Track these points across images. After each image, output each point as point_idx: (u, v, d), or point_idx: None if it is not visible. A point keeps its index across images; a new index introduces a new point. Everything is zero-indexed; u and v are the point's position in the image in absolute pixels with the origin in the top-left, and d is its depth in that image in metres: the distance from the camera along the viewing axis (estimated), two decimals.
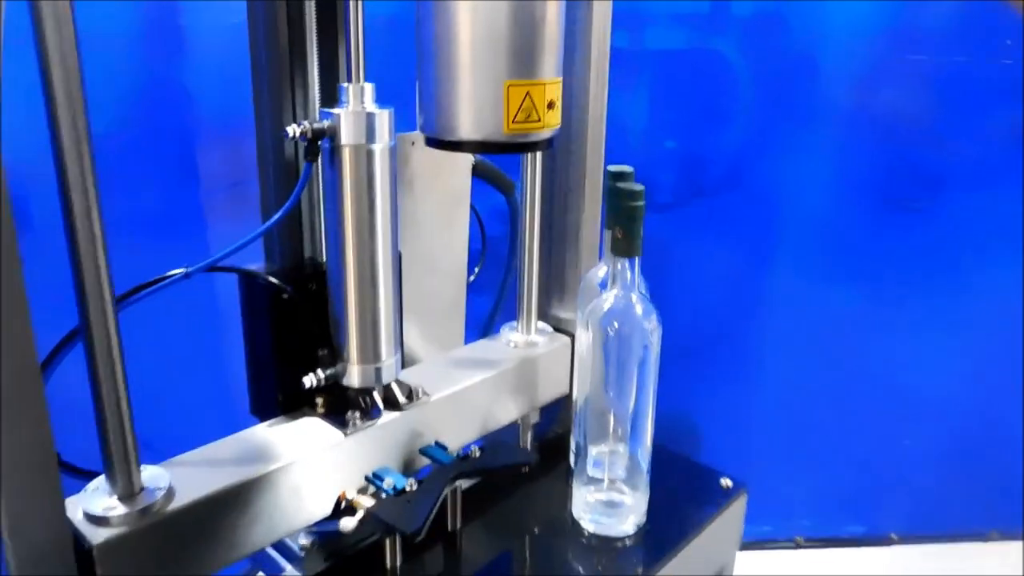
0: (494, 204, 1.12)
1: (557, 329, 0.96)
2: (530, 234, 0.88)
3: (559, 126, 0.67)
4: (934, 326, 1.81)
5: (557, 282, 0.97)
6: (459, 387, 0.83)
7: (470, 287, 1.09)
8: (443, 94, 0.62)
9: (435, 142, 0.65)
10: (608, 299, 0.74)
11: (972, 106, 1.73)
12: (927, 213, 1.79)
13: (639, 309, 0.74)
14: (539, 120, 0.61)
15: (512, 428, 0.94)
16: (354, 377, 0.74)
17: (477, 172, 1.10)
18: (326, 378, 0.74)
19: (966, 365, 1.83)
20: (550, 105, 0.62)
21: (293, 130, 0.65)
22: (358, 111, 0.67)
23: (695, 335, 1.84)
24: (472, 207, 1.10)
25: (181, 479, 0.64)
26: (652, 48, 1.70)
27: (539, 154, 0.85)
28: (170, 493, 0.62)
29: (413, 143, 0.89)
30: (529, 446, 0.97)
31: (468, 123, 0.61)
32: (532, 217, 0.88)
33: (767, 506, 1.93)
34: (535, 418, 0.95)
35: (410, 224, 0.92)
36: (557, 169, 0.92)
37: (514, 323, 0.94)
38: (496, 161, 1.07)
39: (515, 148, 0.63)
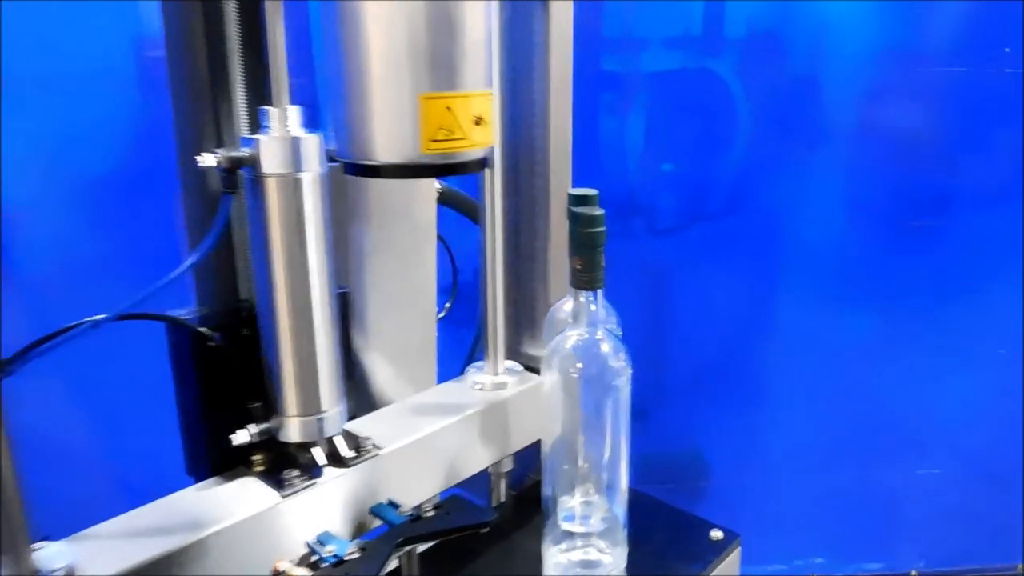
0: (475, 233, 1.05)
1: (528, 368, 0.89)
2: (492, 264, 0.81)
3: (491, 145, 0.60)
4: (948, 350, 1.73)
5: (527, 316, 0.89)
6: (416, 437, 0.75)
7: (451, 321, 1.02)
8: (353, 112, 0.55)
9: (352, 168, 0.58)
10: (570, 337, 0.67)
11: (976, 119, 1.66)
12: (936, 234, 1.73)
13: (605, 347, 0.66)
14: (463, 138, 0.54)
15: (484, 476, 0.86)
16: (292, 431, 0.67)
17: (444, 199, 1.03)
18: (260, 433, 0.66)
19: (984, 390, 1.74)
20: (478, 121, 0.55)
21: (206, 159, 0.58)
22: (282, 136, 0.60)
23: (698, 365, 1.77)
24: (440, 238, 1.03)
25: (87, 556, 0.57)
26: (646, 70, 1.65)
27: (497, 176, 0.78)
28: (69, 575, 0.55)
29: None
30: (503, 495, 0.89)
31: (382, 144, 0.54)
32: (494, 245, 0.80)
33: (778, 543, 1.83)
34: (508, 465, 0.87)
35: (371, 259, 0.85)
36: (521, 191, 0.85)
37: (481, 363, 0.87)
38: (464, 186, 1.00)
39: (438, 171, 0.57)
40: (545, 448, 0.72)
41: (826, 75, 1.66)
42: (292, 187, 0.61)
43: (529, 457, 0.91)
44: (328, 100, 0.58)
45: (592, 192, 0.71)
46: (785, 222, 1.75)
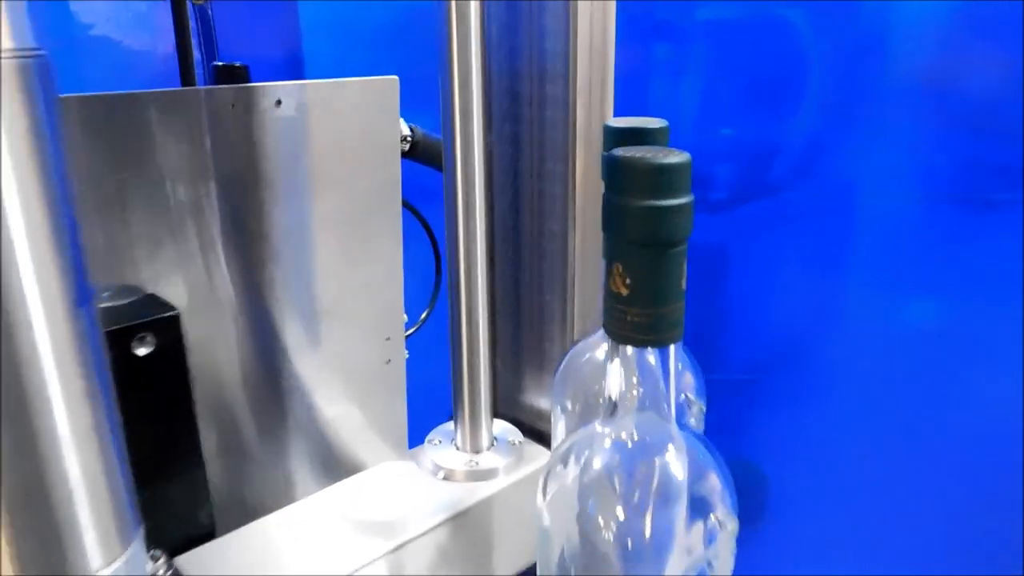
0: None
1: (533, 432, 0.53)
2: (467, 259, 0.45)
3: None
4: None
5: (532, 349, 0.53)
6: None
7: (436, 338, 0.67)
8: None
9: None
10: (605, 436, 0.30)
11: None
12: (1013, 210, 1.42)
13: (674, 458, 0.29)
14: None
15: None
16: None
17: (416, 152, 0.68)
18: None
19: None
20: None
21: None
22: None
23: (753, 356, 1.50)
24: (416, 212, 0.69)
25: None
26: (703, 18, 1.35)
27: (476, 109, 0.41)
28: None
29: (279, 102, 0.47)
30: None
31: None
32: (471, 225, 0.44)
33: (842, 556, 1.53)
34: None
35: (288, 242, 0.50)
36: (522, 136, 0.49)
37: (449, 425, 0.51)
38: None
39: None
40: None
41: (902, 34, 1.39)
42: None
43: None
44: None
45: (656, 123, 0.34)
46: (854, 196, 1.50)
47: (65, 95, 0.36)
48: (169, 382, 0.41)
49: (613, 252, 0.26)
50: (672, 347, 0.27)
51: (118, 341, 0.39)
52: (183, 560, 0.42)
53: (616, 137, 0.33)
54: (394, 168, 0.55)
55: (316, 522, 0.45)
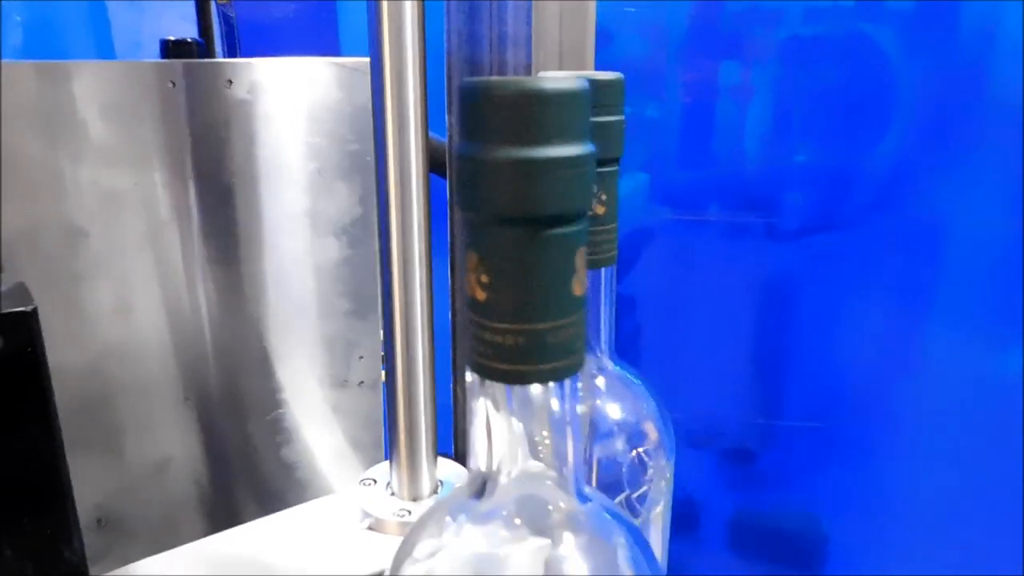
0: None
1: None
2: (404, 264, 0.36)
3: None
4: None
5: None
6: None
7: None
8: None
9: None
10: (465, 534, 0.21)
11: None
12: None
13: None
14: None
15: None
16: None
17: None
18: None
19: None
20: None
21: None
22: None
23: (818, 401, 1.39)
24: None
25: None
26: (780, 34, 1.26)
27: (409, 66, 0.33)
28: None
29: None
30: None
31: None
32: (407, 228, 0.36)
33: None
34: None
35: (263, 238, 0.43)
36: None
37: (384, 466, 0.42)
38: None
39: None
40: None
41: (1000, 58, 1.26)
42: None
43: None
44: None
45: (604, 75, 0.25)
46: (941, 231, 1.38)
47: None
48: (22, 386, 0.34)
49: (469, 236, 0.17)
50: (566, 382, 0.18)
51: None
52: None
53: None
54: None
55: (203, 565, 0.37)
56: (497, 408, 0.18)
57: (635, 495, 0.27)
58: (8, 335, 0.33)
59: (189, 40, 0.49)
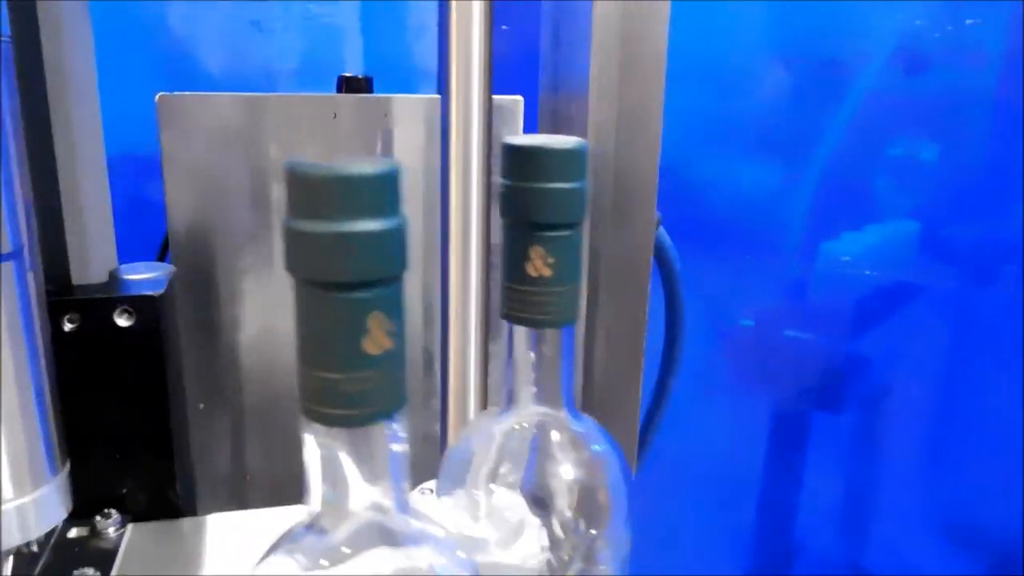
0: None
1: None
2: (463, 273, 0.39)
3: None
4: None
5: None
6: None
7: None
8: None
9: None
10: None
11: None
12: None
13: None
14: None
15: None
16: None
17: None
18: None
19: None
20: None
21: None
22: None
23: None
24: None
25: None
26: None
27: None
28: None
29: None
30: None
31: None
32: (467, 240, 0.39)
33: None
34: None
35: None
36: None
37: (430, 486, 0.45)
38: None
39: None
40: None
41: None
42: None
43: None
44: None
45: (565, 141, 0.26)
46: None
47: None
48: (146, 357, 0.42)
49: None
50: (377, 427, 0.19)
51: (100, 312, 0.40)
52: (138, 527, 0.43)
53: (515, 157, 0.25)
54: None
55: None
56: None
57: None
58: (137, 314, 0.41)
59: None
